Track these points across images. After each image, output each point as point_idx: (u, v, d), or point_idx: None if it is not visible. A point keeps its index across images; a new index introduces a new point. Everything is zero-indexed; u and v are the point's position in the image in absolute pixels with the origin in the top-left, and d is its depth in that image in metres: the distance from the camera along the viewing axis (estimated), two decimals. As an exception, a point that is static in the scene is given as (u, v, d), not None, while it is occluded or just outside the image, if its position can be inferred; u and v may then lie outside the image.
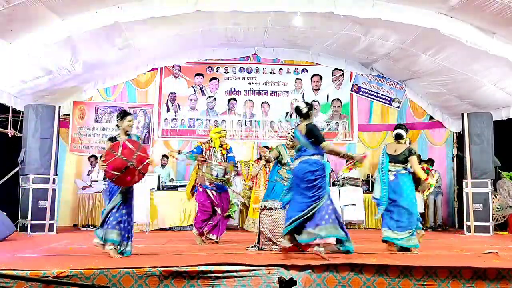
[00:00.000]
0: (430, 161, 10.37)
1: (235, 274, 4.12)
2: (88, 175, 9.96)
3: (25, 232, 8.02)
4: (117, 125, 5.33)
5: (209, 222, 6.75)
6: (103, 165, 4.93)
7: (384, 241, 5.85)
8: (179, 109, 11.12)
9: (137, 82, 11.06)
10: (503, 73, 8.34)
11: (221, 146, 6.86)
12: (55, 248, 6.01)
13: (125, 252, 5.11)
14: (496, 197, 9.05)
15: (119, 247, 5.08)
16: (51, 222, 8.29)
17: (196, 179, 6.90)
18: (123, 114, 5.34)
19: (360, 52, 10.23)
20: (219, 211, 6.73)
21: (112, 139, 5.24)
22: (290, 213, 5.06)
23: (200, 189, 6.77)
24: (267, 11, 8.25)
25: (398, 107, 11.33)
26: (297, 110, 5.20)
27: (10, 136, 8.96)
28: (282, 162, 6.65)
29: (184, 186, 9.23)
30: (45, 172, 8.31)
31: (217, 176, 6.76)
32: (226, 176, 6.88)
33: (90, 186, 9.75)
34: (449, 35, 7.54)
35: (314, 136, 5.03)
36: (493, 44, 7.45)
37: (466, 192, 8.82)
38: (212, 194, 6.71)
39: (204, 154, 6.80)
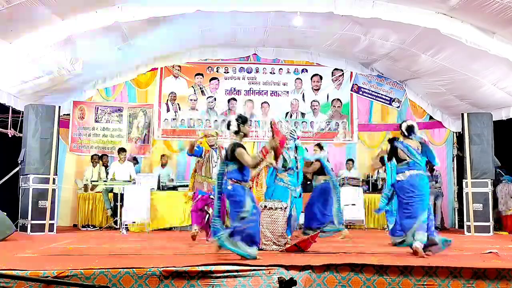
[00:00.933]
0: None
1: (235, 274, 4.12)
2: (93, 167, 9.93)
3: (25, 232, 8.02)
4: (236, 131, 5.07)
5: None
6: (277, 139, 5.16)
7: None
8: (179, 109, 11.12)
9: (137, 82, 11.06)
10: (503, 73, 8.34)
11: (211, 146, 6.84)
12: (55, 248, 6.00)
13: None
14: None
15: None
16: (51, 222, 8.29)
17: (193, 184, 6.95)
18: (245, 118, 5.17)
19: (360, 52, 10.23)
20: (210, 210, 6.65)
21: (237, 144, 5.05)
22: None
23: (198, 196, 6.79)
24: (267, 11, 8.26)
25: (398, 107, 11.33)
26: (412, 128, 5.57)
27: (10, 136, 8.96)
28: (287, 167, 6.65)
29: (184, 186, 9.26)
30: (45, 172, 8.30)
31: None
32: None
33: (95, 186, 9.73)
34: (449, 35, 7.54)
35: (429, 152, 5.55)
36: (493, 44, 7.44)
37: (466, 192, 8.81)
38: (211, 198, 6.60)
39: (203, 155, 6.84)
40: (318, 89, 11.41)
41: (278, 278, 3.84)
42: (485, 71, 8.52)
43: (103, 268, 4.02)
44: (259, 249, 5.72)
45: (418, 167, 5.43)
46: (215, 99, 11.23)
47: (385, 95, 11.36)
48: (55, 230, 8.34)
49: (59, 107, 8.87)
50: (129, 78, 10.93)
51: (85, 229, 9.41)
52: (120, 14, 7.36)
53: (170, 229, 9.21)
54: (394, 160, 5.53)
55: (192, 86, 11.22)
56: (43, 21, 7.15)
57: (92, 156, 10.08)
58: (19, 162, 8.47)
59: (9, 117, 8.95)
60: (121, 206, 8.68)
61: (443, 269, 4.19)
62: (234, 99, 11.26)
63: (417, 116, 11.15)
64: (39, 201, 8.18)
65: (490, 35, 7.45)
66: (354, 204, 9.59)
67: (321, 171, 7.50)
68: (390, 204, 5.87)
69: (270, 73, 11.38)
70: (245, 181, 5.06)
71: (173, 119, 11.08)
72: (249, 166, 5.00)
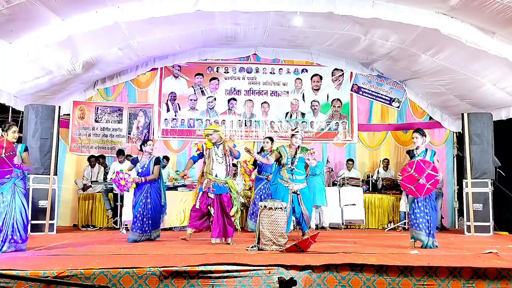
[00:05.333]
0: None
1: (235, 274, 4.12)
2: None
3: (25, 232, 8.01)
4: None
5: (207, 222, 6.65)
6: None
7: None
8: (179, 109, 11.12)
9: (137, 82, 11.07)
10: (503, 73, 8.34)
11: (215, 144, 6.54)
12: (55, 248, 6.00)
13: None
14: None
15: None
16: (51, 222, 8.29)
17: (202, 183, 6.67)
18: None
19: (360, 52, 10.22)
20: (212, 211, 6.54)
21: None
22: None
23: (200, 193, 6.56)
24: (267, 11, 8.25)
25: (398, 107, 11.33)
26: None
27: (10, 136, 8.95)
28: (282, 162, 6.73)
29: (184, 186, 9.26)
30: (45, 172, 8.31)
31: (216, 176, 6.55)
32: (228, 177, 6.63)
33: (90, 186, 9.75)
34: (449, 35, 7.54)
35: None
36: (493, 44, 7.44)
37: (466, 192, 8.82)
38: (209, 196, 6.50)
39: (205, 153, 6.60)
40: (318, 89, 11.41)
41: (278, 278, 3.84)
42: (485, 71, 8.52)
43: (103, 268, 4.02)
44: (259, 249, 5.73)
45: None
46: (215, 99, 11.24)
47: (385, 95, 11.36)
48: (55, 230, 8.34)
49: (59, 107, 8.87)
50: (129, 78, 10.94)
51: (85, 229, 9.42)
52: (120, 14, 7.37)
53: (170, 229, 9.20)
54: None
55: (192, 86, 11.23)
56: (43, 21, 7.15)
57: (88, 158, 10.07)
58: (19, 162, 8.46)
59: (9, 117, 8.95)
60: (121, 206, 8.68)
61: (443, 269, 4.19)
62: (234, 99, 11.26)
63: (417, 116, 11.16)
64: (39, 201, 8.18)
65: (490, 35, 7.45)
66: (354, 204, 9.60)
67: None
68: None
69: (270, 73, 11.38)
70: None
71: (173, 119, 11.09)
72: None
